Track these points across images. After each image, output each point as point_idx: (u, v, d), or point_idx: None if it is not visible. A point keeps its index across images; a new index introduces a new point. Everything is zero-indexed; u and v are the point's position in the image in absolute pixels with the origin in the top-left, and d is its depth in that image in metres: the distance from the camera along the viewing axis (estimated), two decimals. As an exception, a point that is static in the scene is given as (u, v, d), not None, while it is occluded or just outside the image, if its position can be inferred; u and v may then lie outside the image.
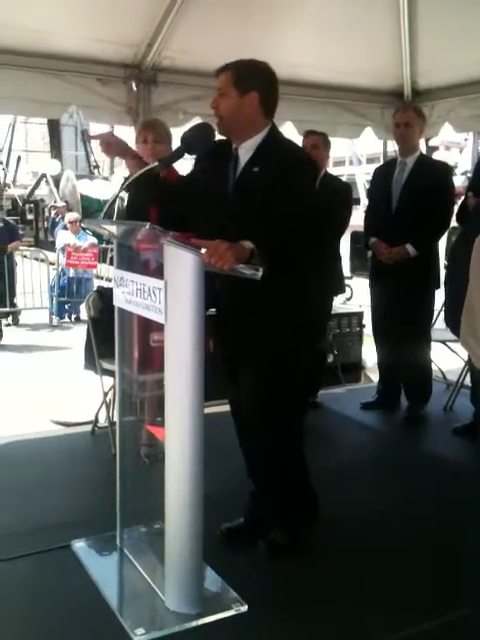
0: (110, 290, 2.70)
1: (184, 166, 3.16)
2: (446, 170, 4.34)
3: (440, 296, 3.39)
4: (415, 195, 4.11)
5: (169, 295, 2.15)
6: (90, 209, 18.49)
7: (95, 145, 26.99)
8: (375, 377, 5.07)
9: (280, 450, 2.66)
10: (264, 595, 2.44)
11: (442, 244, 4.42)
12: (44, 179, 22.37)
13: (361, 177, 22.20)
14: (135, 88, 4.47)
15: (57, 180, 21.23)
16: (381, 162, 6.27)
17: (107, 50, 4.30)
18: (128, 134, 3.77)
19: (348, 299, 9.92)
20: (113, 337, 2.65)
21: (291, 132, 4.56)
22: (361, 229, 4.53)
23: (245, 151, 2.58)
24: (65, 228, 10.93)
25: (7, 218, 10.78)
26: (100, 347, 3.76)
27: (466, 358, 4.39)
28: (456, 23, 4.43)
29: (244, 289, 2.39)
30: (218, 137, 2.57)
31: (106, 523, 2.76)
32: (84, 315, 5.58)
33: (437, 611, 2.36)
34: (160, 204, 2.87)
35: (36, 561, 2.66)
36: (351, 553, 2.74)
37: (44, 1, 3.84)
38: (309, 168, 2.62)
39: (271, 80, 2.60)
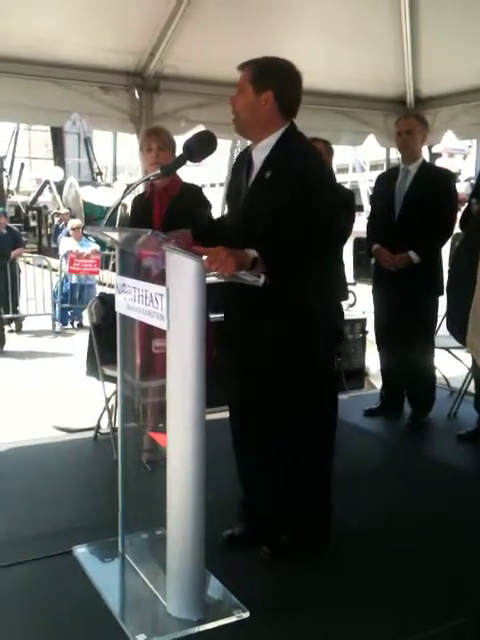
0: (112, 296, 2.70)
1: (186, 173, 3.17)
2: (449, 177, 4.34)
3: (443, 303, 3.39)
4: (418, 202, 4.11)
5: (171, 301, 2.15)
6: (93, 216, 18.58)
7: (97, 152, 27.15)
8: (378, 384, 5.06)
9: (302, 451, 2.62)
10: (266, 602, 2.43)
11: (445, 250, 4.42)
12: (47, 186, 22.51)
13: (364, 184, 22.31)
14: (138, 96, 4.49)
15: (60, 187, 21.36)
16: (384, 169, 6.26)
17: (110, 58, 4.33)
18: (131, 142, 3.78)
19: (351, 305, 9.90)
20: (115, 343, 2.65)
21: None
22: (364, 236, 4.53)
23: (259, 152, 2.55)
24: (68, 235, 10.97)
25: (10, 225, 10.80)
26: (102, 353, 3.76)
27: (470, 365, 4.39)
28: (458, 31, 4.44)
29: (249, 293, 2.34)
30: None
31: (108, 529, 2.75)
32: (87, 321, 5.59)
33: (442, 617, 2.34)
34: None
35: (38, 567, 2.66)
36: (354, 560, 2.73)
37: (47, 10, 3.86)
38: (323, 178, 2.50)
39: (289, 79, 2.50)
